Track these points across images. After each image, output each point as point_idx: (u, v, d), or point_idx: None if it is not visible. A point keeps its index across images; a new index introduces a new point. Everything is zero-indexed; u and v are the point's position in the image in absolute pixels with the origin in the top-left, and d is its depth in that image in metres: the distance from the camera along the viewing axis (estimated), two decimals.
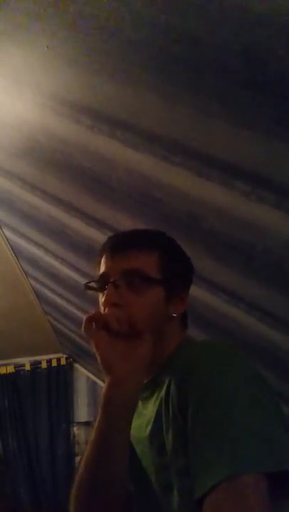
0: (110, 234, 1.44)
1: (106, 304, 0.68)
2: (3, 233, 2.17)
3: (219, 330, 1.45)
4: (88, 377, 3.99)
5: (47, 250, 2.03)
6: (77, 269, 1.98)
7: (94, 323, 0.67)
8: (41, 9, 0.79)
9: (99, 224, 1.47)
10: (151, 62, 0.77)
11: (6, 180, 1.61)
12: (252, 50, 0.63)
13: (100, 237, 1.52)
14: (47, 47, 0.87)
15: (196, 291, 1.31)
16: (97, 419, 0.63)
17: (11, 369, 4.00)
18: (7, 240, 2.24)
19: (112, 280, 0.69)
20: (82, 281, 2.08)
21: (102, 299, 0.70)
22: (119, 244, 0.73)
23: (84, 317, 0.68)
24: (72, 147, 1.18)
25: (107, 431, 0.62)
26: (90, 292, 0.76)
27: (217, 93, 0.74)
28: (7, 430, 3.84)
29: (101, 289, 0.72)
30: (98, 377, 3.86)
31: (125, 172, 1.12)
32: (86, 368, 3.97)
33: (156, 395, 0.70)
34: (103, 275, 0.72)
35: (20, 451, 3.76)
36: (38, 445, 3.77)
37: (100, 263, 0.75)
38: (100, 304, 0.72)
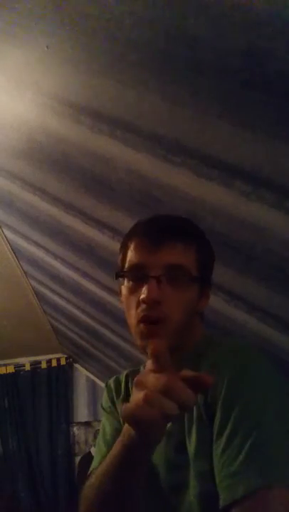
0: (110, 234, 1.46)
1: (147, 300, 0.62)
2: (3, 233, 2.17)
3: (219, 330, 1.45)
4: (88, 377, 4.00)
5: (47, 250, 2.03)
6: (77, 269, 1.98)
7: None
8: (41, 9, 0.79)
9: (99, 224, 1.47)
10: (152, 62, 0.77)
11: (6, 181, 1.61)
12: (252, 50, 0.63)
13: (100, 237, 1.53)
14: (47, 47, 0.87)
15: None
16: (117, 459, 0.58)
17: (11, 369, 4.00)
18: (7, 240, 2.24)
19: (154, 275, 0.64)
20: (83, 281, 2.09)
21: (137, 291, 0.65)
22: (163, 234, 0.66)
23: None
24: (72, 147, 1.18)
25: (128, 472, 0.58)
26: (121, 281, 0.70)
27: (217, 93, 0.74)
28: (7, 430, 3.84)
29: (139, 280, 0.66)
30: (98, 377, 3.86)
31: (125, 172, 1.12)
32: (86, 368, 3.97)
33: None
34: (141, 266, 0.66)
35: (20, 451, 3.76)
36: (38, 445, 3.77)
37: (128, 247, 0.70)
38: (128, 293, 0.67)
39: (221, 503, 0.52)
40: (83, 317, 2.50)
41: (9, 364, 4.01)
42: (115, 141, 1.02)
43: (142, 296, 0.63)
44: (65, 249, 1.88)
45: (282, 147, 0.75)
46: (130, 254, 0.69)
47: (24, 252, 2.29)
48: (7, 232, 2.16)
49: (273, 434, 0.53)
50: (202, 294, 0.70)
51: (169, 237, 0.66)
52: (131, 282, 0.67)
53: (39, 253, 2.12)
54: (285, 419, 0.54)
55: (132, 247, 0.69)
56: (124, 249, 0.72)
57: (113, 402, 0.82)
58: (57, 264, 2.08)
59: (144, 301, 0.63)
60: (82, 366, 3.99)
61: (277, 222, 0.90)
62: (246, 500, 0.49)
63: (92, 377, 3.96)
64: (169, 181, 1.03)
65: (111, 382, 0.85)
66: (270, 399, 0.56)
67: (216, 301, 1.30)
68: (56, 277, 2.27)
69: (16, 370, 4.00)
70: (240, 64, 0.66)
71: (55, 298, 2.62)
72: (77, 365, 4.03)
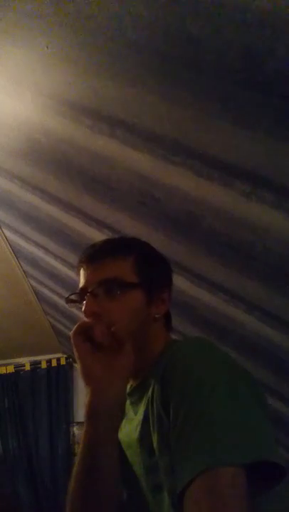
0: (110, 234, 1.46)
1: (86, 313, 0.70)
2: (3, 233, 2.17)
3: (219, 330, 1.45)
4: None
5: (47, 250, 2.03)
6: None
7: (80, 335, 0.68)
8: (41, 9, 0.79)
9: (99, 224, 1.47)
10: (152, 62, 0.77)
11: (6, 180, 1.61)
12: (252, 50, 0.63)
13: (100, 237, 1.52)
14: (47, 47, 0.87)
15: (196, 291, 1.32)
16: (83, 430, 0.64)
17: (11, 369, 4.00)
18: (7, 240, 2.24)
19: (89, 291, 0.71)
20: None
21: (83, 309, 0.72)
22: (94, 254, 0.75)
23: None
24: (72, 147, 1.18)
25: (92, 441, 0.63)
26: (73, 305, 0.79)
27: (217, 93, 0.74)
28: (7, 430, 3.84)
29: (81, 300, 0.74)
30: None
31: (125, 172, 1.12)
32: None
33: (144, 398, 0.71)
34: (83, 288, 0.74)
35: (21, 451, 3.76)
36: (38, 445, 3.77)
37: (79, 276, 0.78)
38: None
39: (177, 491, 0.54)
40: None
41: (9, 364, 4.01)
42: (115, 141, 1.02)
43: (83, 310, 0.70)
44: (65, 249, 1.88)
45: (282, 147, 0.75)
46: (80, 281, 0.77)
47: (24, 252, 2.29)
48: (7, 232, 2.16)
49: (218, 421, 0.55)
50: (153, 299, 0.73)
51: (100, 255, 0.75)
52: (79, 304, 0.76)
53: (39, 253, 2.12)
54: (234, 402, 0.57)
55: (79, 273, 0.78)
56: (78, 276, 0.79)
57: None
58: (57, 264, 2.08)
59: (84, 314, 0.70)
60: None
61: (277, 222, 0.90)
62: (194, 483, 0.51)
63: None
64: (169, 181, 1.03)
65: None
66: (218, 384, 0.58)
67: (216, 301, 1.30)
68: (56, 277, 2.27)
69: (15, 370, 4.00)
70: (240, 64, 0.66)
71: (55, 298, 2.62)
72: (77, 365, 4.03)
